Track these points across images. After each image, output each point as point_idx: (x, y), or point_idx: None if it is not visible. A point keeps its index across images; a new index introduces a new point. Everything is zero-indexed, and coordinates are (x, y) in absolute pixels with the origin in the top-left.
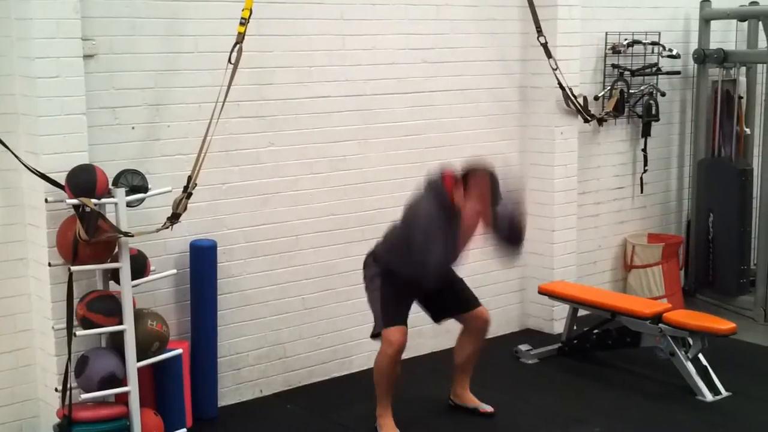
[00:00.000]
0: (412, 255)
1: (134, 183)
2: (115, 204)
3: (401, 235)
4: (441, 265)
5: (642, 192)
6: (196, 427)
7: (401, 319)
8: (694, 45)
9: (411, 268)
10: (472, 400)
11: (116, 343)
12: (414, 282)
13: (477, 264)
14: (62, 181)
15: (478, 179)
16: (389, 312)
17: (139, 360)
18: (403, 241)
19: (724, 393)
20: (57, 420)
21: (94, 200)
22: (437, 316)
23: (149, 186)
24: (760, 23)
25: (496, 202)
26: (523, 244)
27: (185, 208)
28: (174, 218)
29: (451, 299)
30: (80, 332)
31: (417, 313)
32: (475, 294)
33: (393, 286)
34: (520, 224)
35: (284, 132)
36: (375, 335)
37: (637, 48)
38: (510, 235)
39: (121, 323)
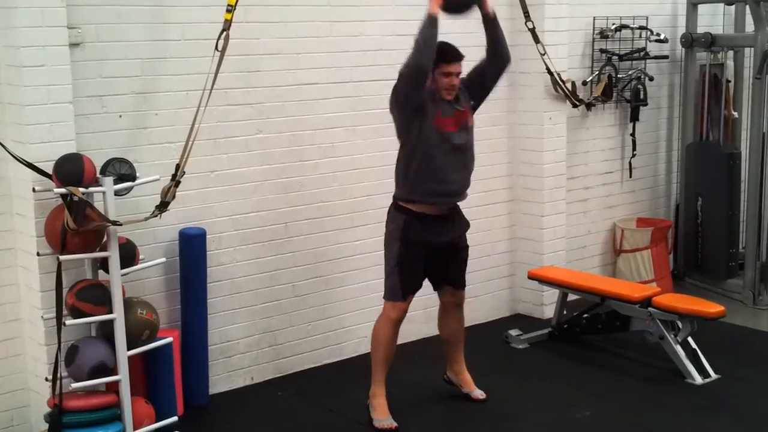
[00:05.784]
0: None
1: (122, 171)
2: (103, 193)
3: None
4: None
5: (631, 176)
6: (187, 414)
7: (411, 290)
8: (681, 29)
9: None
10: (467, 383)
11: (106, 332)
12: (428, 221)
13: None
14: (50, 171)
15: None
16: (405, 279)
17: (129, 349)
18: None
19: (714, 376)
20: (48, 409)
21: (81, 189)
22: (437, 281)
23: (137, 174)
24: (747, 7)
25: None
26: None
27: (174, 197)
28: (162, 207)
29: (452, 269)
30: (70, 321)
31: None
32: (465, 278)
33: (408, 247)
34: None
35: (272, 119)
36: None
37: (625, 32)
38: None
39: (110, 312)
